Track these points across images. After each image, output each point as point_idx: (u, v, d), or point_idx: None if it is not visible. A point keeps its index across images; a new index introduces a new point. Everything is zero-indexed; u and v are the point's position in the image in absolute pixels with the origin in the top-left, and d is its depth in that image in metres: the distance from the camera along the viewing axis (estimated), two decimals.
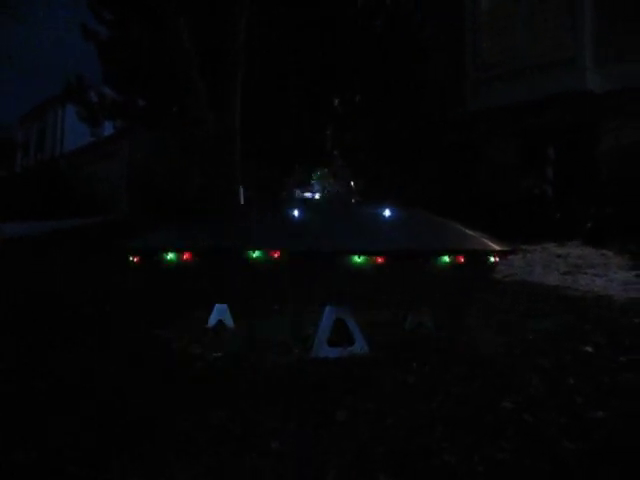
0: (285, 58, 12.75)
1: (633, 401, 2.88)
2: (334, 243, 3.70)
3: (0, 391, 3.21)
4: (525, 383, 3.15)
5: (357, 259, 3.59)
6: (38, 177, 22.47)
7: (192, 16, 9.78)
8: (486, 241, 4.15)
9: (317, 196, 4.67)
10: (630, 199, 9.54)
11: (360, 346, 3.76)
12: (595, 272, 7.24)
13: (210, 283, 4.02)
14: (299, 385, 3.18)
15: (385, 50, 13.29)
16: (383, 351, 3.78)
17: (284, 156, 12.27)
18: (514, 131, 12.60)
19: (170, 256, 3.79)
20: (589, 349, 3.82)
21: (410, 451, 2.36)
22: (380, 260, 3.62)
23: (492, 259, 4.15)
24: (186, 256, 3.76)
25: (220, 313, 4.57)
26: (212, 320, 4.58)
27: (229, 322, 4.57)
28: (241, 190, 9.44)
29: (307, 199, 4.59)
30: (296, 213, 3.98)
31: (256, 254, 3.59)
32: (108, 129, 20.33)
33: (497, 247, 4.13)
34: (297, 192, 4.80)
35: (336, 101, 13.71)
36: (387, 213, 4.01)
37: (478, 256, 4.05)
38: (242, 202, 9.35)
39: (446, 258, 3.78)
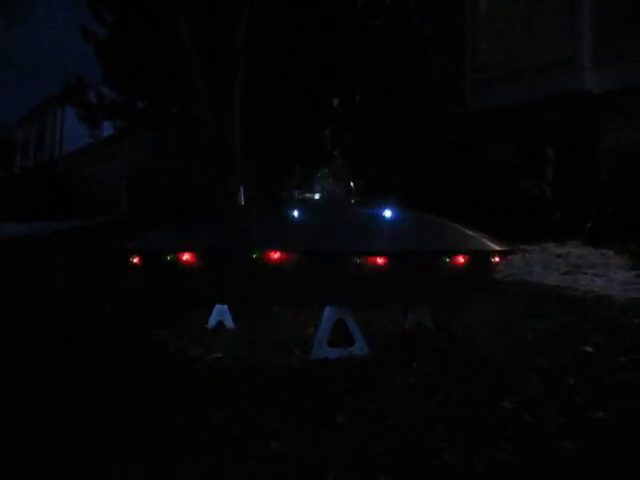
0: (285, 58, 12.76)
1: (633, 401, 2.88)
2: (334, 243, 3.69)
3: (0, 391, 3.21)
4: (525, 383, 3.15)
5: (357, 260, 3.59)
6: (38, 178, 22.47)
7: (192, 16, 9.78)
8: (486, 241, 4.15)
9: (317, 196, 4.67)
10: (630, 199, 9.54)
11: (360, 346, 3.76)
12: (595, 272, 7.24)
13: (210, 283, 4.01)
14: (299, 385, 3.18)
15: (385, 50, 13.29)
16: (383, 351, 3.78)
17: (284, 156, 12.28)
18: (514, 131, 12.61)
19: (170, 256, 3.79)
20: (589, 349, 3.82)
21: (410, 451, 2.36)
22: (380, 261, 3.62)
23: (492, 259, 4.16)
24: (186, 256, 3.75)
25: (220, 314, 4.57)
26: (212, 321, 4.57)
27: (229, 323, 4.57)
28: (241, 190, 9.44)
29: (307, 199, 4.59)
30: (296, 213, 3.98)
31: (256, 254, 3.59)
32: (107, 130, 20.38)
33: (497, 247, 4.13)
34: (297, 192, 4.79)
35: (336, 101, 13.72)
36: (387, 213, 4.01)
37: (478, 256, 4.05)
38: (242, 202, 9.35)
39: (446, 259, 3.78)
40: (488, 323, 4.58)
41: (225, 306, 4.55)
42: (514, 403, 2.84)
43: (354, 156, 11.63)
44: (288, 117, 12.75)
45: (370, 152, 13.15)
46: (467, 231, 4.23)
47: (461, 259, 3.83)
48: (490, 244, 4.12)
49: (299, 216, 3.97)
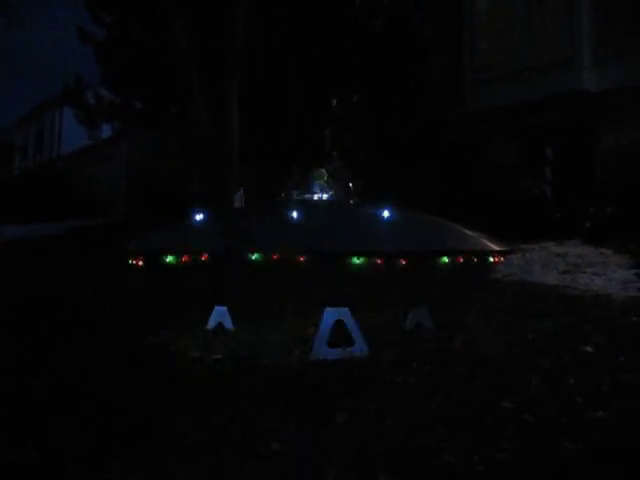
0: (285, 58, 12.75)
1: (633, 401, 2.88)
2: (334, 244, 3.70)
3: (0, 391, 3.21)
4: (525, 383, 3.15)
5: (357, 260, 3.59)
6: (37, 179, 22.46)
7: (192, 16, 9.77)
8: (485, 241, 4.15)
9: (316, 197, 4.66)
10: (630, 199, 9.55)
11: (360, 347, 3.76)
12: (594, 271, 7.24)
13: (210, 284, 4.02)
14: (299, 386, 3.18)
15: (385, 50, 13.28)
16: (383, 351, 3.78)
17: (283, 156, 12.26)
18: (514, 131, 12.62)
19: (169, 257, 3.79)
20: (589, 349, 3.82)
21: (410, 451, 2.36)
22: (380, 261, 3.63)
23: (491, 259, 4.16)
24: (186, 257, 3.75)
25: (219, 315, 4.56)
26: (211, 322, 4.56)
27: (228, 324, 4.56)
28: (241, 191, 9.43)
29: (306, 200, 4.59)
30: (296, 214, 3.98)
31: (256, 255, 3.59)
32: (106, 132, 20.40)
33: (496, 247, 4.14)
34: (296, 193, 4.79)
35: (335, 101, 13.70)
36: (387, 214, 4.01)
37: (477, 257, 4.06)
38: (242, 203, 9.34)
39: (446, 259, 3.78)
40: (488, 323, 4.58)
41: (224, 307, 4.55)
42: (514, 403, 2.84)
43: (354, 156, 11.62)
44: (287, 117, 12.75)
45: (370, 152, 13.14)
46: (466, 231, 4.23)
47: (460, 259, 3.83)
48: (489, 244, 4.13)
49: (299, 216, 3.96)
